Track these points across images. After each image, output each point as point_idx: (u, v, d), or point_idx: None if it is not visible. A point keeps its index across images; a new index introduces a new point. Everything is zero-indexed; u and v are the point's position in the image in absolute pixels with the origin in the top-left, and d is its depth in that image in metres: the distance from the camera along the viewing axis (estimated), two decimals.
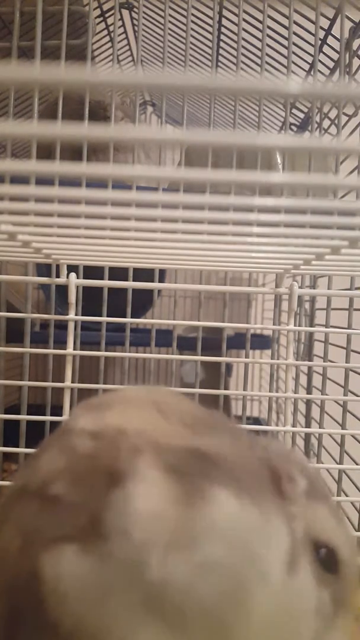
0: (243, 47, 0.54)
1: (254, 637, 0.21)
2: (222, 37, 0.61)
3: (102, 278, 0.48)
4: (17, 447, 0.47)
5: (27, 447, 0.46)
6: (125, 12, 0.72)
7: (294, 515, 0.23)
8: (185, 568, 0.21)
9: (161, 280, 0.54)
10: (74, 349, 0.47)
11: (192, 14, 0.52)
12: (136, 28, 0.72)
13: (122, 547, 0.21)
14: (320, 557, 0.23)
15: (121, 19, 0.72)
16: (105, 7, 0.68)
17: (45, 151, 0.51)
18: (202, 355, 0.50)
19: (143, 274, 0.50)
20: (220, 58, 0.65)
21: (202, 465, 0.23)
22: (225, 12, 0.58)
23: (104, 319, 0.49)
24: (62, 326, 0.49)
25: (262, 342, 0.77)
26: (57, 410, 0.46)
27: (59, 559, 0.22)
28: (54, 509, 0.23)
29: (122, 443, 0.24)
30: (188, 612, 0.21)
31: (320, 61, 0.54)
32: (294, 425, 0.54)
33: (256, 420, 0.92)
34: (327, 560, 0.23)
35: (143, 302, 0.61)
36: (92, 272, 0.49)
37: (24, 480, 0.25)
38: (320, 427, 0.53)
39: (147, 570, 0.21)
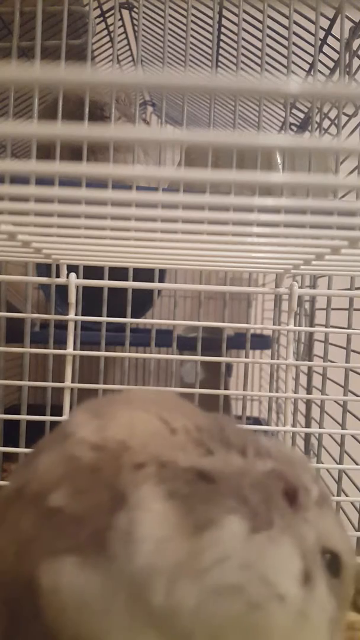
0: (243, 47, 0.54)
1: None
2: (222, 37, 0.61)
3: (102, 278, 0.48)
4: (17, 447, 0.47)
5: (27, 447, 0.46)
6: (125, 12, 0.72)
7: (307, 525, 0.24)
8: (195, 594, 0.21)
9: (161, 280, 0.54)
10: (74, 349, 0.47)
11: (192, 14, 0.52)
12: (136, 28, 0.72)
13: (127, 570, 0.21)
14: (325, 562, 0.23)
15: (121, 19, 0.72)
16: (105, 7, 0.68)
17: (44, 152, 0.51)
18: (202, 355, 0.50)
19: (143, 274, 0.50)
20: (220, 58, 0.65)
21: (208, 489, 0.23)
22: (225, 12, 0.58)
23: (104, 319, 0.49)
24: (62, 326, 0.49)
25: (262, 342, 0.77)
26: (57, 410, 0.46)
27: (58, 570, 0.22)
28: (53, 519, 0.23)
29: (125, 458, 0.24)
30: (199, 635, 0.21)
31: (320, 61, 0.54)
32: (294, 425, 0.54)
33: (256, 420, 0.91)
34: (331, 565, 0.24)
35: (143, 302, 0.61)
36: (92, 272, 0.49)
37: (21, 483, 0.25)
38: (320, 427, 0.53)
39: (153, 595, 0.21)
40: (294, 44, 0.54)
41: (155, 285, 0.51)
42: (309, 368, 0.66)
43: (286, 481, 0.24)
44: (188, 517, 0.22)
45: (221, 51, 0.64)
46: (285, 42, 0.55)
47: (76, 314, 0.47)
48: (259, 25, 0.53)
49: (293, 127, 0.71)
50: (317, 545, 0.23)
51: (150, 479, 0.23)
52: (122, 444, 0.25)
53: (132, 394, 0.33)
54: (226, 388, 0.76)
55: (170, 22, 0.59)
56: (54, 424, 0.46)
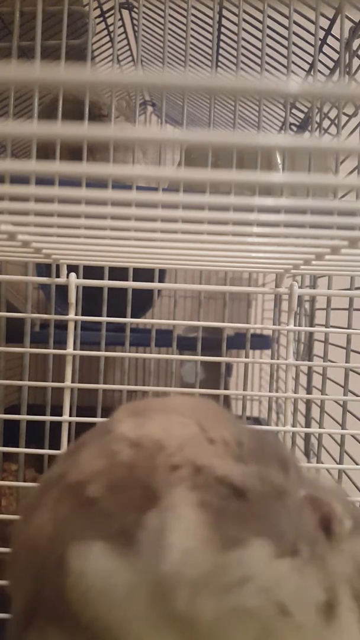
0: (243, 47, 0.54)
1: None
2: (222, 37, 0.61)
3: (102, 278, 0.48)
4: (17, 447, 0.47)
5: (27, 447, 0.46)
6: (125, 12, 0.72)
7: (341, 556, 0.23)
8: (214, 610, 0.21)
9: (161, 280, 0.54)
10: (74, 349, 0.47)
11: (192, 14, 0.52)
12: (136, 28, 0.72)
13: (153, 570, 0.22)
14: None
15: (121, 19, 0.72)
16: (105, 7, 0.68)
17: (42, 152, 0.51)
18: (202, 355, 0.50)
19: (143, 274, 0.50)
20: (220, 58, 0.65)
21: (240, 506, 0.23)
22: (225, 12, 0.58)
23: (104, 319, 0.49)
24: (62, 326, 0.49)
25: (262, 342, 0.77)
26: (57, 410, 0.46)
27: (87, 554, 0.23)
28: (89, 508, 0.24)
29: (160, 458, 0.24)
30: None
31: (320, 61, 0.54)
32: (294, 425, 0.54)
33: (256, 420, 0.91)
34: None
35: (143, 302, 0.61)
36: (92, 272, 0.48)
37: (63, 470, 0.26)
38: (320, 427, 0.53)
39: (175, 601, 0.21)
40: (294, 44, 0.54)
41: (155, 285, 0.51)
42: (309, 368, 0.66)
43: (321, 510, 0.24)
44: (217, 532, 0.22)
45: (221, 51, 0.64)
46: (285, 42, 0.55)
47: (76, 314, 0.47)
48: (259, 25, 0.53)
49: (293, 127, 0.71)
50: (356, 577, 0.23)
51: (184, 483, 0.23)
52: (158, 443, 0.25)
53: (174, 399, 0.34)
54: (226, 388, 0.76)
55: (170, 22, 0.59)
56: (54, 424, 0.46)
